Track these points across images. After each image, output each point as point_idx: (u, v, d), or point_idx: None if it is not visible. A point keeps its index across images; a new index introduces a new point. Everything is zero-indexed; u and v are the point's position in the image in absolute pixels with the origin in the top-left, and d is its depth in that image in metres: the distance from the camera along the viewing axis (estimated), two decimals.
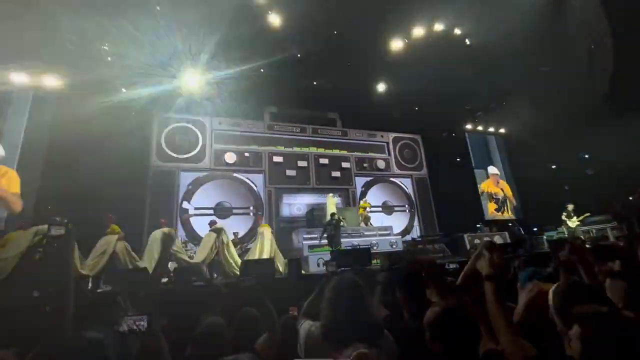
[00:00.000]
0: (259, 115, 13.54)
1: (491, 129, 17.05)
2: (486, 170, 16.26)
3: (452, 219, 13.84)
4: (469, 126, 16.54)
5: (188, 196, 11.42)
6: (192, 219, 11.23)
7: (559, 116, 12.92)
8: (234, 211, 11.98)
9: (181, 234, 10.70)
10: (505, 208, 15.68)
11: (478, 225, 13.26)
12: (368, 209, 11.89)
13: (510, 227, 13.66)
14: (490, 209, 15.41)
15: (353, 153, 14.77)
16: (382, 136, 15.65)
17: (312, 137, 14.23)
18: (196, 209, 11.38)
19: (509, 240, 12.15)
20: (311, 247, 9.51)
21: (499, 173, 16.69)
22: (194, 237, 10.71)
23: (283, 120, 13.91)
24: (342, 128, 15.01)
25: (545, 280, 2.13)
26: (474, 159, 16.44)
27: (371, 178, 14.83)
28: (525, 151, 15.17)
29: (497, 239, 12.34)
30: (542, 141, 14.07)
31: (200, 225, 11.05)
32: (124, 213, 8.27)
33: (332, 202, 11.00)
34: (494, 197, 15.96)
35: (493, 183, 16.19)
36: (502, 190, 16.26)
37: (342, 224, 9.35)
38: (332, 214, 9.17)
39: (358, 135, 15.18)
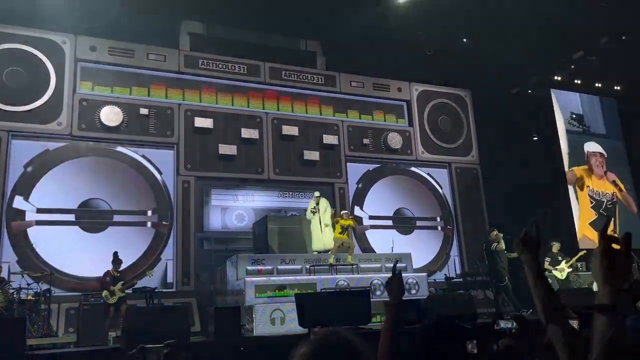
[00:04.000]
0: (169, 38, 13.40)
1: (598, 84, 17.67)
2: (583, 150, 17.04)
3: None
4: (558, 77, 17.06)
5: (25, 187, 11.26)
6: (32, 230, 11.08)
7: None
8: (117, 218, 11.93)
9: (9, 258, 10.53)
10: (615, 221, 16.39)
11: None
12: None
13: None
14: (584, 221, 16.08)
15: (345, 118, 15.01)
16: (399, 89, 15.96)
17: (270, 84, 14.30)
18: (41, 211, 11.23)
19: None
20: (261, 288, 9.55)
21: (604, 153, 17.54)
22: (33, 265, 10.54)
23: (215, 48, 13.86)
24: (325, 71, 15.17)
25: None
26: (568, 137, 17.00)
27: (376, 166, 15.17)
28: None
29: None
30: None
31: (50, 242, 10.98)
32: None
33: (321, 206, 11.07)
34: (594, 196, 16.77)
35: (595, 169, 16.97)
36: (615, 185, 17.10)
37: (494, 246, 11.35)
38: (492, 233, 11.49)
39: (356, 85, 15.39)
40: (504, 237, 11.68)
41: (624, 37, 14.92)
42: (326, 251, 10.75)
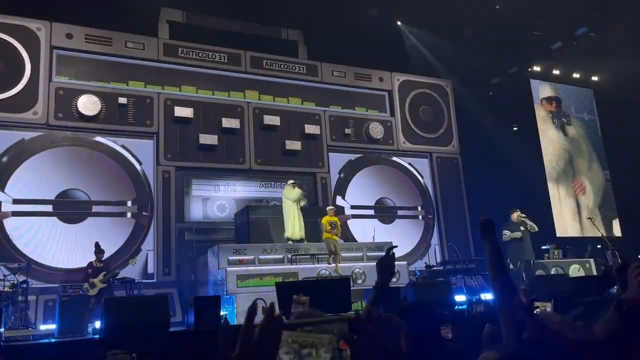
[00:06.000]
0: (148, 26, 13.22)
1: (575, 75, 17.92)
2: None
3: (500, 233, 14.46)
4: (537, 68, 17.23)
5: (0, 177, 11.05)
6: (9, 221, 10.89)
7: None
8: (96, 208, 11.78)
9: None
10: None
11: (544, 247, 13.95)
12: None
13: (599, 249, 14.52)
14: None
15: (327, 108, 14.98)
16: (381, 79, 15.97)
17: (251, 73, 14.19)
18: (17, 202, 11.04)
19: (594, 272, 12.93)
20: (243, 277, 9.54)
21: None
22: (9, 256, 10.37)
23: (195, 37, 13.69)
24: (307, 60, 15.11)
25: None
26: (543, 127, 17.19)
27: (358, 156, 15.18)
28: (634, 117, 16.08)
29: (575, 269, 13.09)
30: None
31: (28, 233, 10.85)
32: None
33: (293, 195, 10.98)
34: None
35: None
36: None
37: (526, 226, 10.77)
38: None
39: (337, 75, 15.35)
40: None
41: (601, 28, 15.09)
42: (300, 240, 10.72)
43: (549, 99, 17.87)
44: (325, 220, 10.59)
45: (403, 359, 1.49)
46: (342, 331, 1.36)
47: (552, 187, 16.94)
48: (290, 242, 10.70)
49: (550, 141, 17.43)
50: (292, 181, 11.27)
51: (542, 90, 17.84)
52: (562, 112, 18.00)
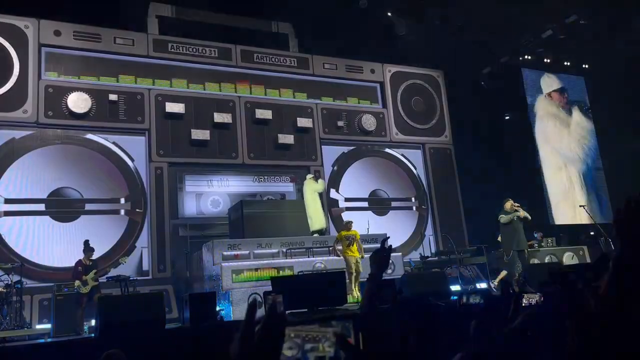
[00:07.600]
0: (137, 22, 13.15)
1: (566, 63, 17.97)
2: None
3: (493, 222, 14.51)
4: (528, 57, 17.26)
5: None
6: (1, 221, 10.85)
7: None
8: (89, 206, 11.76)
9: None
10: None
11: (536, 234, 14.03)
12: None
13: (592, 236, 14.66)
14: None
15: (318, 100, 14.96)
16: (372, 70, 15.96)
17: (241, 67, 14.15)
18: (9, 201, 11.00)
19: (588, 260, 13.07)
20: (238, 272, 9.56)
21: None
22: (3, 256, 10.33)
23: (185, 32, 13.64)
24: (298, 53, 15.08)
25: None
26: (533, 116, 17.25)
27: (351, 148, 15.21)
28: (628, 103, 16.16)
29: (568, 257, 13.22)
30: None
31: (21, 233, 10.84)
32: None
33: (319, 187, 11.05)
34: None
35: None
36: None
37: (516, 215, 10.60)
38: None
39: (329, 67, 15.33)
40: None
41: (591, 16, 15.12)
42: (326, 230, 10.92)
43: (560, 91, 18.03)
44: (340, 235, 9.86)
45: (411, 356, 1.47)
46: (342, 332, 1.34)
47: (554, 175, 17.04)
48: (316, 235, 10.86)
49: (578, 126, 18.01)
50: (311, 175, 11.44)
51: (548, 82, 17.95)
52: (572, 100, 18.30)
